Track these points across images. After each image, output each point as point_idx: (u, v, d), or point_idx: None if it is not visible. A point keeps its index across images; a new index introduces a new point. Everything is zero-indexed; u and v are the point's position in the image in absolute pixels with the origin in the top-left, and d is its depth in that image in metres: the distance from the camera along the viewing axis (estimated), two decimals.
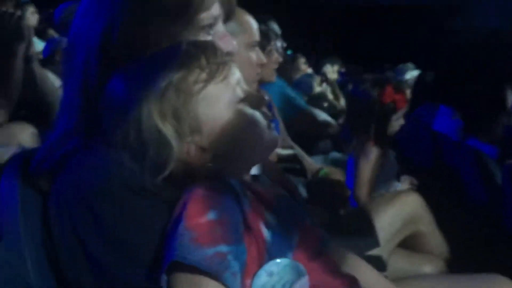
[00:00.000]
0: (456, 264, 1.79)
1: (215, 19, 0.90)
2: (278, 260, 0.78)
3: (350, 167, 2.09)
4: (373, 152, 1.98)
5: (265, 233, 0.78)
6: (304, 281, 0.80)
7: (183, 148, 0.79)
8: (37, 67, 2.06)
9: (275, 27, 2.84)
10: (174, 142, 0.77)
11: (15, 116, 2.00)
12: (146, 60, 0.83)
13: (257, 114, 0.86)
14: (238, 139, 0.83)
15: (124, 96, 0.80)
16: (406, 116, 2.49)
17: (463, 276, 1.19)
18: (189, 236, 0.71)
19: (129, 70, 0.83)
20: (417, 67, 5.75)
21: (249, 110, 0.85)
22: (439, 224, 1.98)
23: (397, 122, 2.03)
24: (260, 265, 0.77)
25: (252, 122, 0.85)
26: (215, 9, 0.89)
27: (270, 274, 0.77)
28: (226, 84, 0.82)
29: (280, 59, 2.32)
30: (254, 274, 0.76)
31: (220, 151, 0.82)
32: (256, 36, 1.52)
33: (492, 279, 1.14)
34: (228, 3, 0.92)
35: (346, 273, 0.91)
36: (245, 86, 0.86)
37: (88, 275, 0.78)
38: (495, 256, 1.99)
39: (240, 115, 0.83)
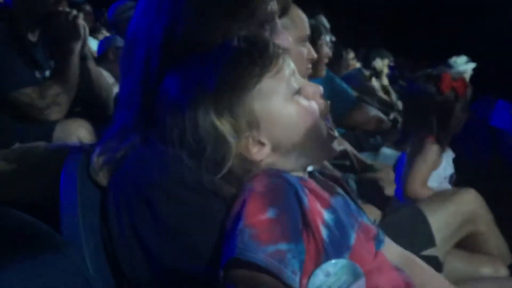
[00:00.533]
0: None
1: (272, 14, 0.89)
2: (335, 261, 0.76)
3: (401, 164, 2.03)
4: (433, 150, 1.85)
5: (323, 232, 0.76)
6: (361, 282, 0.78)
7: (241, 144, 0.78)
8: (92, 65, 2.12)
9: (324, 21, 2.80)
10: (231, 138, 0.77)
11: (72, 113, 2.06)
12: (200, 57, 0.83)
13: (314, 105, 0.84)
14: (297, 132, 0.82)
15: (179, 94, 0.80)
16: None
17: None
18: (249, 233, 0.70)
19: (184, 68, 0.83)
20: (471, 60, 5.54)
21: (306, 102, 0.84)
22: (498, 224, 1.90)
23: (462, 114, 1.90)
24: (317, 265, 0.75)
25: (310, 113, 0.83)
26: (273, 5, 0.89)
27: (327, 275, 0.75)
28: (281, 77, 0.81)
29: (330, 54, 2.29)
30: (311, 274, 0.75)
31: (279, 145, 0.81)
32: (307, 31, 1.50)
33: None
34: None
35: (403, 272, 0.88)
36: (300, 78, 0.85)
37: (145, 269, 0.79)
38: None
39: (298, 107, 0.82)
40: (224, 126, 0.77)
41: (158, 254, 0.77)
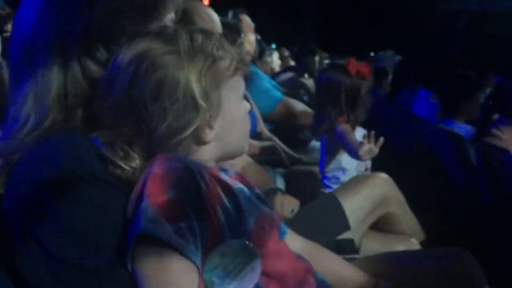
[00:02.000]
0: (432, 243, 1.81)
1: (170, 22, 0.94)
2: (230, 241, 0.80)
3: (321, 150, 2.12)
4: (344, 128, 1.97)
5: (221, 214, 0.80)
6: (256, 263, 0.82)
7: (201, 118, 0.82)
8: (5, 75, 2.06)
9: (247, 19, 2.85)
10: (202, 105, 0.81)
11: None
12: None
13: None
14: (240, 129, 0.90)
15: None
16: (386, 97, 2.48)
17: (423, 250, 1.21)
18: (151, 211, 0.74)
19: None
20: (398, 53, 5.77)
21: (247, 105, 0.93)
22: (418, 205, 2.01)
23: (366, 94, 2.02)
24: (214, 245, 0.79)
25: (247, 113, 0.93)
26: (171, 14, 0.94)
27: (223, 255, 0.79)
28: (242, 80, 0.89)
29: (252, 52, 2.33)
30: (208, 253, 0.78)
31: (220, 137, 0.86)
32: (218, 29, 1.53)
33: (454, 253, 1.16)
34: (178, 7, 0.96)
35: (303, 259, 0.93)
36: None
37: (47, 272, 0.78)
38: (472, 233, 2.02)
39: (245, 107, 0.91)
40: (199, 96, 0.81)
41: (56, 253, 0.77)
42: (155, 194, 0.75)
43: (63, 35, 0.86)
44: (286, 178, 2.35)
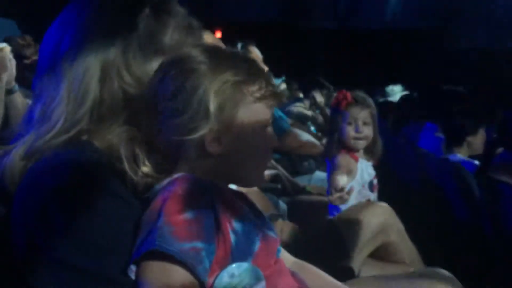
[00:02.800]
0: None
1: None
2: (239, 264, 0.82)
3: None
4: (341, 158, 2.03)
5: (232, 237, 0.82)
6: (262, 285, 0.84)
7: (209, 127, 0.84)
8: (18, 99, 2.11)
9: (256, 51, 2.91)
10: (212, 116, 0.83)
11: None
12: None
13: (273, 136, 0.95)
14: (247, 157, 0.89)
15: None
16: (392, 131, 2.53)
17: (407, 274, 1.21)
18: (167, 230, 0.76)
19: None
20: (406, 88, 5.83)
21: (274, 140, 0.93)
22: (420, 237, 2.00)
23: (348, 126, 2.07)
24: (223, 266, 0.81)
25: (271, 142, 0.92)
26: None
27: (232, 276, 0.81)
28: (267, 111, 0.90)
29: None
30: (217, 274, 0.80)
31: (227, 155, 0.87)
32: None
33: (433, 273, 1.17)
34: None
35: (298, 275, 0.95)
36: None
37: (48, 277, 0.80)
38: (474, 267, 2.00)
39: (264, 141, 0.91)
40: (213, 105, 0.83)
41: (60, 260, 0.79)
42: (173, 213, 0.77)
43: (106, 48, 0.90)
44: (289, 206, 2.37)
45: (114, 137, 0.91)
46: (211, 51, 0.88)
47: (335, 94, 6.01)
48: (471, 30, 8.67)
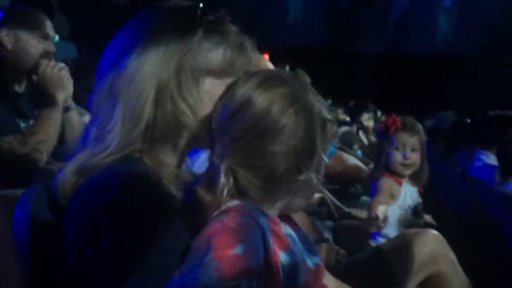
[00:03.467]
0: None
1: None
2: None
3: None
4: (384, 182, 2.03)
5: (281, 272, 0.80)
6: None
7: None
8: (74, 117, 2.19)
9: (303, 75, 2.92)
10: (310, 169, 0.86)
11: (54, 161, 2.12)
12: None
13: None
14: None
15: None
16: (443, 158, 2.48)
17: None
18: (214, 266, 0.74)
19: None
20: (458, 114, 5.68)
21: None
22: (472, 269, 1.92)
23: (394, 152, 2.06)
24: None
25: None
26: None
27: None
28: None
29: None
30: None
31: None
32: None
33: None
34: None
35: None
36: None
37: None
38: None
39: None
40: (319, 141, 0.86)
41: (105, 275, 0.80)
42: (223, 247, 0.76)
43: (160, 70, 0.91)
44: (334, 231, 2.33)
45: (166, 157, 0.93)
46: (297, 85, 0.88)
47: (382, 118, 5.97)
48: None
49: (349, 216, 2.55)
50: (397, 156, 2.04)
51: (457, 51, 9.19)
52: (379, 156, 2.10)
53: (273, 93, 0.84)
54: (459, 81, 8.36)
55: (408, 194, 2.06)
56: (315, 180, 0.88)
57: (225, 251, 0.75)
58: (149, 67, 0.91)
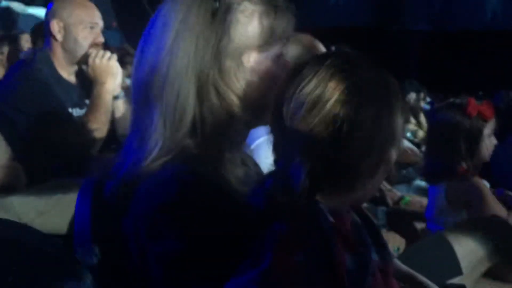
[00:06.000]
0: None
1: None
2: None
3: (432, 197, 1.99)
4: (481, 185, 1.82)
5: (346, 276, 0.76)
6: None
7: None
8: (122, 104, 2.21)
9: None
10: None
11: (108, 149, 2.15)
12: None
13: None
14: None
15: None
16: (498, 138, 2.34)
17: None
18: (274, 275, 0.72)
19: None
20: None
21: None
22: None
23: (489, 140, 1.85)
24: None
25: None
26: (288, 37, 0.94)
27: None
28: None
29: None
30: None
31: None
32: None
33: None
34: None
35: None
36: None
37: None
38: None
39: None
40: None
41: (166, 274, 0.80)
42: (283, 254, 0.73)
43: (199, 65, 0.86)
44: (389, 216, 2.27)
45: (223, 148, 0.90)
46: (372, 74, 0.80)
47: (427, 99, 5.67)
48: None
49: (402, 200, 2.48)
50: (491, 145, 1.84)
51: (506, 27, 8.78)
52: (473, 150, 1.81)
53: (350, 83, 0.77)
54: (509, 59, 8.00)
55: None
56: (392, 170, 0.83)
57: (283, 259, 0.72)
58: (183, 60, 0.85)
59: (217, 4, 0.87)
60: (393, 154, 0.82)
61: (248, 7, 0.88)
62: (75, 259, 0.87)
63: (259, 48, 0.89)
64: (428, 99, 6.17)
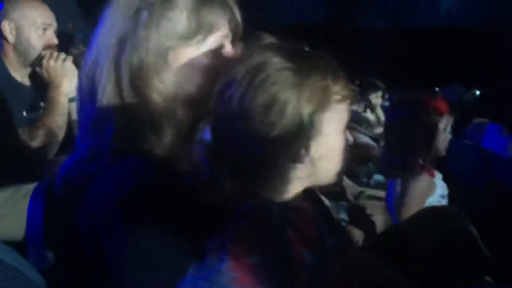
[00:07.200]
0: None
1: (224, 38, 0.94)
2: None
3: (391, 191, 2.03)
4: (424, 177, 1.85)
5: (303, 275, 0.78)
6: None
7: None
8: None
9: None
10: (306, 128, 0.82)
11: (64, 152, 2.10)
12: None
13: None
14: (331, 161, 0.88)
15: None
16: (453, 132, 2.42)
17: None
18: (230, 277, 0.72)
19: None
20: (466, 88, 5.60)
21: (349, 138, 0.93)
22: (489, 244, 1.89)
23: (444, 134, 1.89)
24: None
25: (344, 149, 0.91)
26: (224, 30, 0.93)
27: None
28: (347, 110, 0.88)
29: None
30: None
31: (313, 165, 0.85)
32: None
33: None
34: (236, 25, 0.96)
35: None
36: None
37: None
38: None
39: (343, 141, 0.89)
40: (308, 114, 0.82)
41: (121, 269, 0.79)
42: (240, 256, 0.74)
43: (120, 60, 0.88)
44: (349, 211, 2.31)
45: (169, 140, 0.90)
46: (286, 52, 0.84)
47: (386, 96, 5.79)
48: None
49: (362, 195, 2.53)
50: (446, 138, 1.87)
51: (461, 23, 9.05)
52: (429, 145, 1.84)
53: (270, 82, 0.81)
54: (464, 54, 8.26)
55: (440, 182, 1.94)
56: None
57: (240, 261, 0.73)
58: (107, 55, 0.88)
59: (142, 1, 0.89)
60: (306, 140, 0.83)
61: (173, 3, 0.89)
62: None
63: (187, 44, 0.89)
64: (387, 96, 6.30)
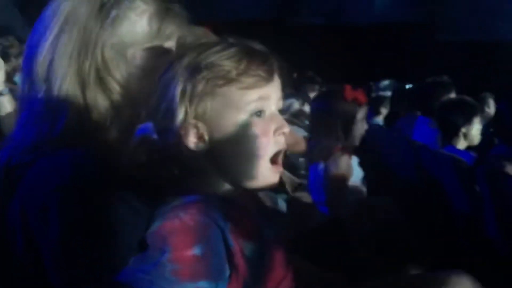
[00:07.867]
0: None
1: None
2: None
3: (312, 175, 2.10)
4: (342, 158, 1.95)
5: (244, 269, 0.79)
6: None
7: (184, 125, 0.82)
8: (7, 102, 2.07)
9: None
10: (180, 113, 0.82)
11: None
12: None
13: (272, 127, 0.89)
14: (234, 150, 0.84)
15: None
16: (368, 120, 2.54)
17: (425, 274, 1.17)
18: (171, 268, 0.72)
19: None
20: (398, 82, 5.83)
21: (263, 124, 0.85)
22: (420, 234, 1.98)
23: (362, 124, 2.03)
24: None
25: (263, 134, 0.86)
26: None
27: None
28: (249, 94, 0.83)
29: None
30: None
31: (217, 151, 0.83)
32: None
33: (453, 277, 1.11)
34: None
35: None
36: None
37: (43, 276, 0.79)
38: (477, 265, 1.98)
39: (252, 125, 0.84)
40: (182, 102, 0.82)
41: (54, 261, 0.78)
42: (181, 248, 0.74)
43: (80, 53, 0.88)
44: (288, 204, 2.34)
45: (113, 136, 0.90)
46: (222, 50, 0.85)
47: (323, 89, 5.95)
48: (460, 22, 8.72)
49: (301, 187, 2.57)
50: (363, 128, 2.01)
51: (395, 19, 9.39)
52: (347, 132, 1.98)
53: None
54: (396, 49, 8.58)
55: (355, 166, 2.04)
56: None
57: (182, 252, 0.73)
58: (66, 47, 0.88)
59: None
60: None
61: (139, 6, 0.91)
62: None
63: (145, 46, 0.91)
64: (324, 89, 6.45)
